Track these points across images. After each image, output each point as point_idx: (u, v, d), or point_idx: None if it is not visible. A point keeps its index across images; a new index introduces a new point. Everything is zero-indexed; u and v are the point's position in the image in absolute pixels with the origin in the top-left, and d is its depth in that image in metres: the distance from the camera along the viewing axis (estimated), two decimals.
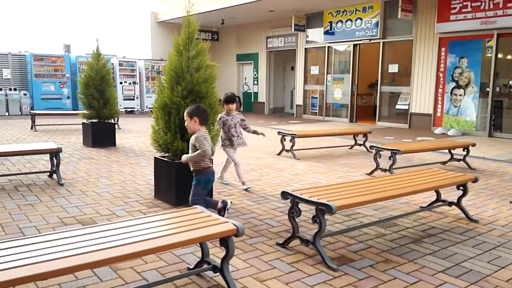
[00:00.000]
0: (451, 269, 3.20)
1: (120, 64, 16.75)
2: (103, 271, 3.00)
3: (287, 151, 7.93)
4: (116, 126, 9.68)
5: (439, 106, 12.30)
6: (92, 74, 8.57)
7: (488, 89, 11.21)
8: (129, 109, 16.93)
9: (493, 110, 11.21)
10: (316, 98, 16.22)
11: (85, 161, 7.12)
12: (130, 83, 16.95)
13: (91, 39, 9.37)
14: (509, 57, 11.35)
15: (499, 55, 11.08)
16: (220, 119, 5.29)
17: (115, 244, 2.38)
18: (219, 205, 4.11)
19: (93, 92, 8.47)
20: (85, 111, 8.73)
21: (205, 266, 2.92)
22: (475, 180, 4.42)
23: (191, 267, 3.04)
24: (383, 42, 13.52)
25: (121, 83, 16.66)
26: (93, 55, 8.77)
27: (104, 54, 9.10)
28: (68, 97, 16.03)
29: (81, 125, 9.23)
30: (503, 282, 3.01)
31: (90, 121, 8.69)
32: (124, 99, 16.61)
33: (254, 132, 5.66)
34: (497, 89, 11.15)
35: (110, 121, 8.88)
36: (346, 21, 14.41)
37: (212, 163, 4.05)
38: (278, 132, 8.23)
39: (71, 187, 5.34)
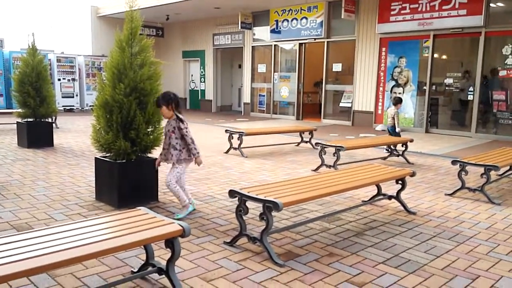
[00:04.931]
0: (391, 260, 3.35)
1: (58, 60, 15.92)
2: (40, 279, 2.84)
3: (235, 149, 7.93)
4: (54, 125, 9.23)
5: (380, 104, 12.83)
6: (28, 71, 8.12)
7: (425, 87, 11.84)
8: (68, 107, 16.16)
9: (430, 108, 11.86)
10: (264, 96, 16.35)
11: (20, 162, 6.70)
12: (69, 80, 16.15)
13: (27, 34, 8.82)
14: (444, 56, 12.05)
15: (435, 55, 11.73)
16: None
17: (53, 250, 2.25)
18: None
19: (29, 90, 8.01)
20: (20, 110, 8.27)
21: (150, 268, 2.84)
22: (412, 174, 4.65)
23: (135, 270, 2.95)
24: (328, 42, 13.86)
25: (59, 80, 15.84)
26: (28, 51, 8.32)
27: (41, 50, 8.70)
28: (1, 95, 15.03)
29: (15, 125, 8.70)
30: (439, 271, 3.18)
31: (26, 120, 8.21)
32: (62, 97, 15.82)
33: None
34: (433, 87, 11.81)
35: (47, 120, 8.47)
36: (292, 20, 14.62)
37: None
38: (226, 130, 8.20)
39: (4, 190, 5.00)
